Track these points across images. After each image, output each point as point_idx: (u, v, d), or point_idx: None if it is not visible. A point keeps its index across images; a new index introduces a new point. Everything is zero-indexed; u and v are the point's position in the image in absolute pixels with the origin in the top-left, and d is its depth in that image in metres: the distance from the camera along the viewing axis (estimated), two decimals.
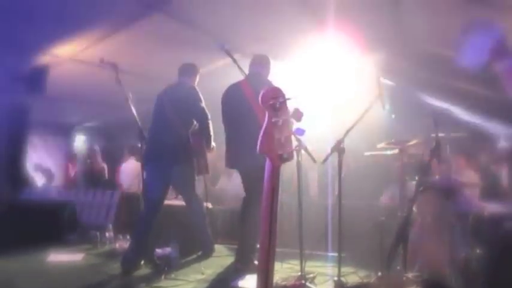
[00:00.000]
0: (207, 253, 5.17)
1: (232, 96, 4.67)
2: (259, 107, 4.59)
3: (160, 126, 4.78)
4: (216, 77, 5.22)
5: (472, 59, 4.66)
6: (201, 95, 4.80)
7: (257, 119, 4.18)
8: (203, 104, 4.78)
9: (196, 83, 5.02)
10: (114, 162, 9.18)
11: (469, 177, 4.91)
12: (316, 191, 7.10)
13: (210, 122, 4.82)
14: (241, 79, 4.66)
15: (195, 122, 4.81)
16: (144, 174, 4.66)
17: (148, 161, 4.70)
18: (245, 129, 4.35)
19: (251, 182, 4.55)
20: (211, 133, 4.87)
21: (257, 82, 4.34)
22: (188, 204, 5.00)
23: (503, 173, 5.31)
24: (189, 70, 5.03)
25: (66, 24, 5.24)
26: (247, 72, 4.50)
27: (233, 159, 4.63)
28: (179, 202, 5.30)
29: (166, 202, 5.02)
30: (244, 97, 4.43)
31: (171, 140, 4.67)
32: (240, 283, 4.03)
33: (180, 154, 4.67)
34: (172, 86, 4.96)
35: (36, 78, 7.08)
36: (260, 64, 4.74)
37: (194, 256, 5.13)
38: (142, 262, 4.62)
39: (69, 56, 6.17)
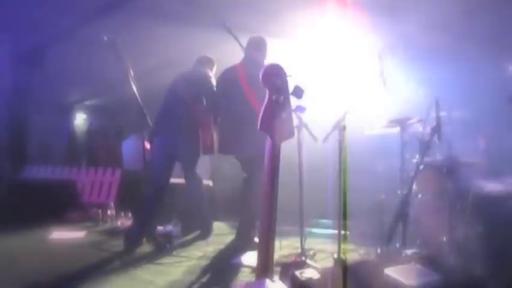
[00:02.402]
0: (205, 233, 5.15)
1: (227, 80, 4.64)
2: (251, 92, 4.60)
3: (171, 102, 4.89)
4: (217, 55, 5.17)
5: None
6: (213, 80, 4.85)
7: (250, 104, 4.19)
8: (214, 86, 4.81)
9: (212, 74, 5.06)
10: (116, 140, 9.19)
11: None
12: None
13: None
14: (237, 63, 4.62)
15: (204, 101, 4.85)
16: (151, 151, 4.71)
17: (155, 136, 4.77)
18: (240, 115, 4.32)
19: (250, 163, 4.55)
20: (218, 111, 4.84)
21: (253, 67, 4.29)
22: (187, 180, 5.01)
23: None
24: (205, 61, 5.11)
25: (65, 2, 5.18)
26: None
27: (227, 145, 4.61)
28: (180, 180, 5.32)
29: None
30: (239, 82, 4.41)
31: (179, 111, 4.77)
32: (241, 260, 4.06)
33: (187, 124, 4.74)
34: (187, 71, 5.05)
35: (36, 58, 7.05)
36: (257, 48, 4.65)
37: (195, 233, 5.17)
38: (144, 239, 4.66)
39: (69, 34, 6.11)
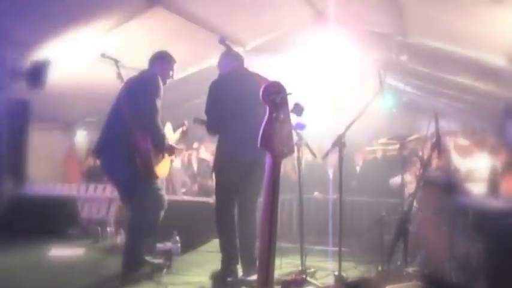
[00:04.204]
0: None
1: (244, 85, 3.98)
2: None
3: (110, 116, 4.18)
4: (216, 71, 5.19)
5: None
6: (159, 85, 4.05)
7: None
8: (156, 96, 3.99)
9: (169, 72, 4.32)
10: None
11: (480, 161, 4.81)
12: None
13: (158, 119, 4.00)
14: (243, 70, 4.38)
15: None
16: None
17: (96, 156, 4.41)
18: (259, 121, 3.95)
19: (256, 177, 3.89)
20: (161, 131, 4.04)
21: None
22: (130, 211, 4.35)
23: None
24: (156, 58, 4.32)
25: (66, 19, 5.22)
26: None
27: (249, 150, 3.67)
28: (178, 197, 5.29)
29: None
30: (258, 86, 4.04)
31: (114, 132, 4.07)
32: (241, 277, 4.02)
33: (119, 149, 3.97)
34: (136, 74, 4.34)
35: (36, 74, 7.08)
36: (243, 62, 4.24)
37: (196, 251, 5.13)
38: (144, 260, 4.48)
39: (69, 50, 6.15)
